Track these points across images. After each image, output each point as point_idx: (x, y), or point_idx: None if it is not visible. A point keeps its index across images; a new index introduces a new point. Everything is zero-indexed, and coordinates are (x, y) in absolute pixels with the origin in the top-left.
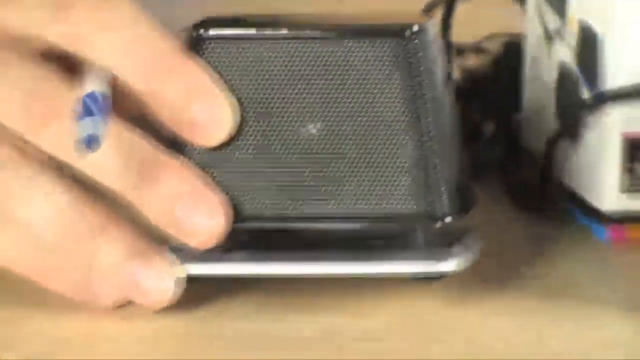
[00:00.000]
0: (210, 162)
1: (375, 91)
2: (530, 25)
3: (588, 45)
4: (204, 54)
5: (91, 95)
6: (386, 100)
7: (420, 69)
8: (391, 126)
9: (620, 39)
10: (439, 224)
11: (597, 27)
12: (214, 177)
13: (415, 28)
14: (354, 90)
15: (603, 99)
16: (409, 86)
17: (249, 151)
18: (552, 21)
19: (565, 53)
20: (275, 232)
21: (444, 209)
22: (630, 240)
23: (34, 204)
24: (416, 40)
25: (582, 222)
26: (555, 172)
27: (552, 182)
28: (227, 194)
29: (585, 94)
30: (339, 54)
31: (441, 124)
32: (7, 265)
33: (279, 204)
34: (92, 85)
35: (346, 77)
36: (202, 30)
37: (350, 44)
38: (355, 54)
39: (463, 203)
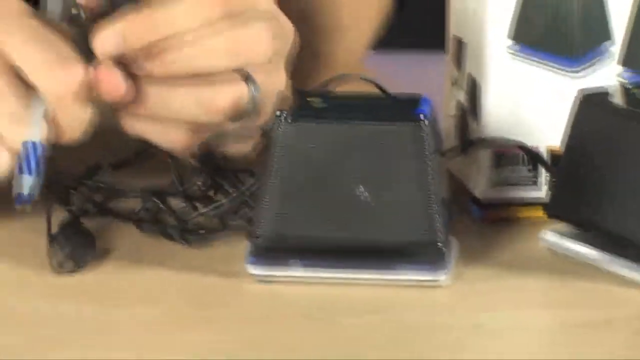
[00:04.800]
0: (288, 198)
1: (399, 158)
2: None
3: (474, 92)
4: (284, 129)
5: (31, 146)
6: (406, 165)
7: (427, 144)
8: (410, 184)
9: (491, 91)
10: (438, 248)
11: (479, 81)
12: (292, 206)
13: (424, 117)
14: (386, 158)
15: (478, 142)
16: (421, 155)
17: (316, 196)
18: (455, 73)
19: (461, 95)
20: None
21: (441, 237)
22: (496, 218)
23: None
24: (427, 124)
25: (469, 206)
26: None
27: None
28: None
29: (472, 124)
30: (374, 134)
31: (438, 179)
32: None
33: (332, 231)
34: (34, 131)
35: (380, 150)
36: (283, 115)
37: (380, 128)
38: (384, 134)
39: (447, 231)
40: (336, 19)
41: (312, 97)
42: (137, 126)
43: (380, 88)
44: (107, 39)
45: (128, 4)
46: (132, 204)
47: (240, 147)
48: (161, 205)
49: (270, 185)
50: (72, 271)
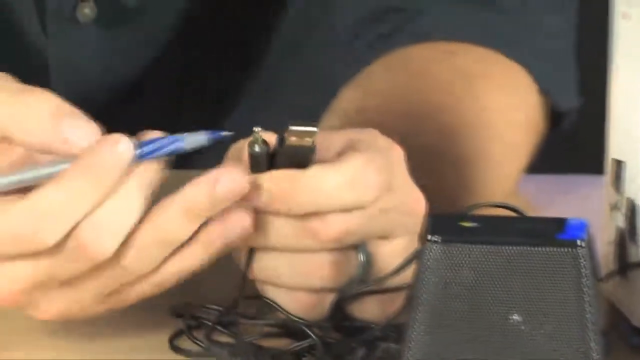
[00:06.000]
0: (438, 323)
1: (555, 283)
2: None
3: (634, 216)
4: (435, 251)
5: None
6: (562, 290)
7: (584, 269)
8: (566, 310)
9: None
10: None
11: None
12: (442, 331)
13: (581, 240)
14: (541, 283)
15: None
16: (578, 280)
17: (467, 322)
18: (614, 196)
19: (620, 219)
20: None
21: None
22: None
23: None
24: (585, 248)
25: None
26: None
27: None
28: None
29: (631, 248)
30: (529, 257)
31: (595, 306)
32: None
33: (483, 358)
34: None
35: (535, 274)
36: (434, 237)
37: (538, 251)
38: (540, 258)
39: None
40: (485, 150)
41: (462, 221)
42: (260, 289)
43: (519, 213)
44: (254, 197)
45: (298, 153)
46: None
47: (374, 310)
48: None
49: (419, 309)
50: None
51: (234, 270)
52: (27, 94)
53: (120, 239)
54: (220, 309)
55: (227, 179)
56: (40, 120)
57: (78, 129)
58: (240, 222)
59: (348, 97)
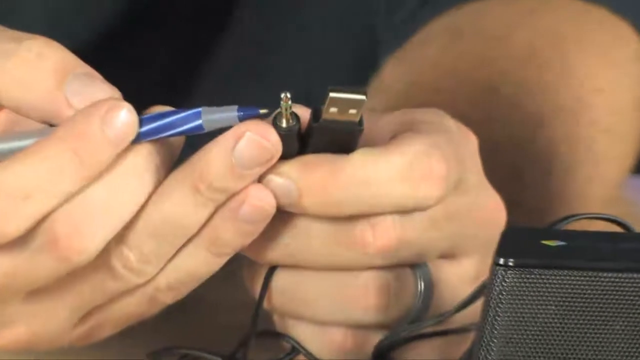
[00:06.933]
0: None
1: None
2: None
3: None
4: (506, 278)
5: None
6: None
7: None
8: None
9: None
10: None
11: None
12: None
13: None
14: None
15: None
16: None
17: None
18: None
19: None
20: None
21: None
22: None
23: None
24: None
25: None
26: None
27: None
28: None
29: None
30: (634, 288)
31: None
32: None
33: None
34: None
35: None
36: (506, 260)
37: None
38: None
39: None
40: (581, 143)
41: (546, 238)
42: (279, 323)
43: (625, 227)
44: (277, 189)
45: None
46: None
47: (429, 358)
48: None
49: (488, 357)
50: None
51: (242, 299)
52: (23, 43)
53: (106, 236)
54: (219, 358)
55: (254, 132)
56: (40, 77)
57: (89, 90)
58: (258, 200)
59: (393, 72)
